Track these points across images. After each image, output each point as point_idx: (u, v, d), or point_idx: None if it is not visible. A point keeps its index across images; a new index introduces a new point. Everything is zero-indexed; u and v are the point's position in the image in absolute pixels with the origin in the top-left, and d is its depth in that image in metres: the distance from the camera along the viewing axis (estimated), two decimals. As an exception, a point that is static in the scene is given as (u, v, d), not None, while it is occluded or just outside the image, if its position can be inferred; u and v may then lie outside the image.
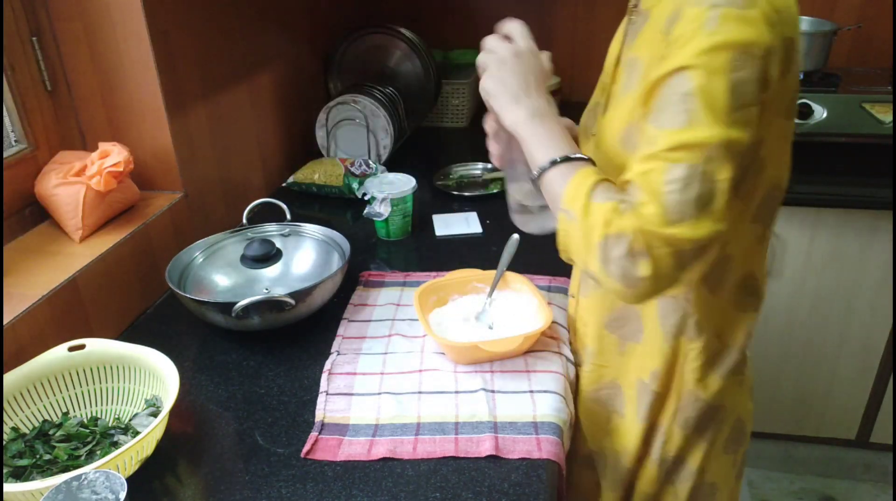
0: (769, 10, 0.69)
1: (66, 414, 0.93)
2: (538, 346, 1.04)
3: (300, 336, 1.11)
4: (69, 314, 1.04)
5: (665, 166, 0.71)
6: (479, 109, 2.24)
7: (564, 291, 1.19)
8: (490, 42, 0.89)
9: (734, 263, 0.87)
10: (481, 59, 0.89)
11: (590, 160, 0.83)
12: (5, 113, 1.14)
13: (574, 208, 0.77)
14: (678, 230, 0.71)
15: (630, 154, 0.79)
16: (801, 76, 1.89)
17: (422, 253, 1.38)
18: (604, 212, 0.74)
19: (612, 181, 0.79)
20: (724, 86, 0.69)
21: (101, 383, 0.96)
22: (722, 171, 0.70)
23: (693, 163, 0.70)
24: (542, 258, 1.30)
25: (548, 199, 0.85)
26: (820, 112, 1.79)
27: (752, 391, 1.02)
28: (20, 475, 0.83)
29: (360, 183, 1.56)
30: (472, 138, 2.07)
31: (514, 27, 0.89)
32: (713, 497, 1.02)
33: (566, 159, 0.82)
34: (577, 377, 1.06)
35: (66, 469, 0.83)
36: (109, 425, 0.92)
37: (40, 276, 1.04)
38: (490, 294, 1.10)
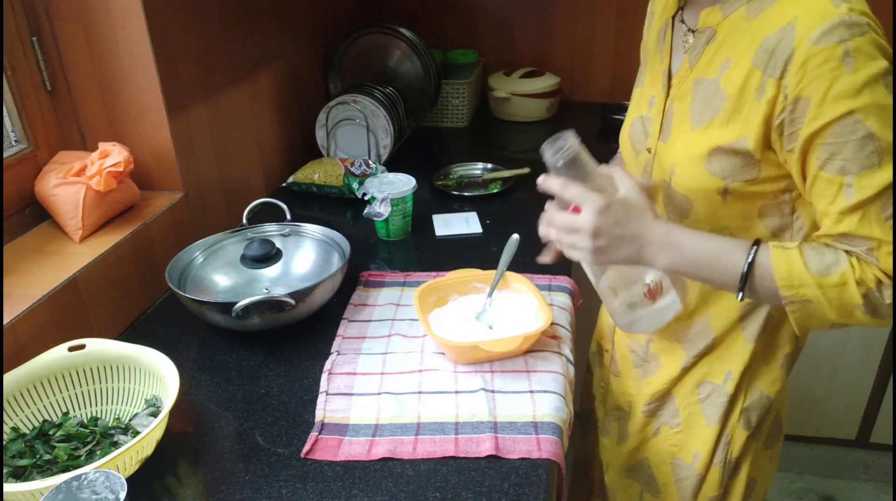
0: (878, 27, 0.71)
1: (66, 414, 0.93)
2: (538, 346, 1.04)
3: (300, 336, 1.11)
4: (69, 313, 1.04)
5: (879, 206, 0.72)
6: (479, 109, 2.24)
7: (565, 290, 1.19)
8: (558, 221, 0.81)
9: None
10: (565, 241, 0.82)
11: (757, 242, 0.79)
12: (5, 113, 1.14)
13: (805, 293, 0.76)
14: None
15: (715, 180, 0.81)
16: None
17: (422, 253, 1.38)
18: (847, 276, 0.74)
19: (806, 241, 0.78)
20: (891, 112, 0.70)
21: (101, 383, 0.96)
22: None
23: None
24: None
25: (758, 300, 0.82)
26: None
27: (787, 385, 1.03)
28: (20, 475, 0.83)
29: (360, 183, 1.56)
30: (472, 138, 2.07)
31: (568, 190, 0.80)
32: (753, 491, 1.04)
33: (749, 265, 0.77)
34: (608, 389, 1.07)
35: (66, 469, 0.83)
36: (109, 425, 0.92)
37: (40, 276, 1.04)
38: (490, 294, 1.10)
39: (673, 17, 0.90)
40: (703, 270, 0.80)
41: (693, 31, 0.86)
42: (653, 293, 0.90)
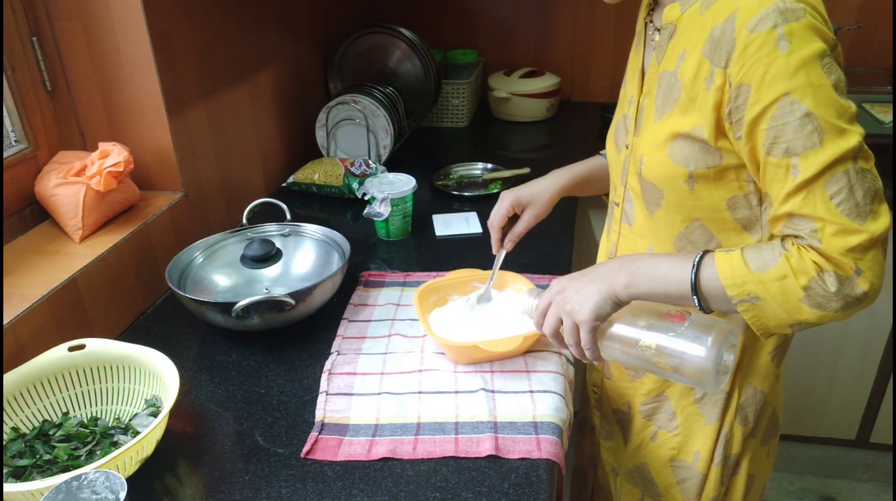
0: (815, 13, 0.73)
1: (66, 414, 0.93)
2: (538, 346, 1.04)
3: (300, 336, 1.11)
4: (69, 313, 1.04)
5: (822, 184, 0.72)
6: (479, 108, 2.24)
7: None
8: (544, 302, 0.89)
9: None
10: (548, 316, 0.88)
11: (706, 252, 0.80)
12: (5, 113, 1.14)
13: (750, 290, 0.76)
14: (865, 232, 0.72)
15: (678, 167, 0.83)
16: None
17: (422, 253, 1.38)
18: (784, 268, 0.74)
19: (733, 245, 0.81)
20: (830, 93, 0.72)
21: (101, 383, 0.96)
22: (869, 161, 0.74)
23: (846, 169, 0.72)
24: (541, 258, 1.30)
25: (718, 308, 0.81)
26: (820, 112, 1.79)
27: (783, 381, 1.03)
28: (20, 475, 0.83)
29: (360, 183, 1.56)
30: (471, 138, 2.07)
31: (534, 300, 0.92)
32: (752, 488, 1.04)
33: (696, 274, 0.79)
34: (603, 393, 1.08)
35: (66, 469, 0.83)
36: (109, 425, 0.92)
37: (40, 276, 1.04)
38: (492, 277, 1.11)
39: (645, 20, 0.94)
40: (659, 283, 0.81)
41: (659, 30, 0.89)
42: (676, 316, 0.84)
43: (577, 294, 0.84)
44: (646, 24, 0.93)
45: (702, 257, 0.79)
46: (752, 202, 0.84)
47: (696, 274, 0.79)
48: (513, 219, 1.10)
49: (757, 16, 0.72)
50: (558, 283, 0.88)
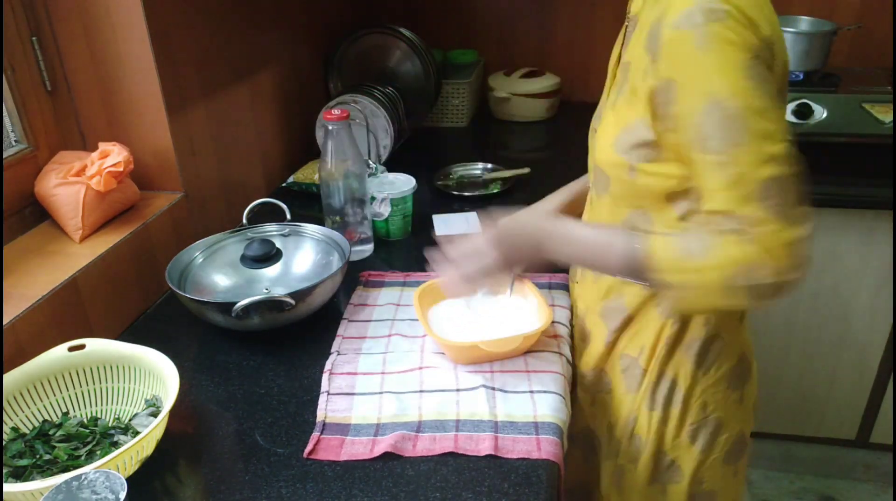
0: (739, 16, 0.73)
1: (66, 414, 0.93)
2: (538, 346, 1.04)
3: (300, 336, 1.11)
4: (69, 313, 1.04)
5: (756, 184, 0.73)
6: (480, 109, 2.24)
7: (564, 287, 1.19)
8: (460, 250, 0.94)
9: None
10: (471, 267, 0.95)
11: (643, 232, 0.84)
12: (5, 113, 1.14)
13: (674, 277, 0.79)
14: (797, 231, 0.74)
15: (621, 158, 0.85)
16: (801, 76, 1.89)
17: (422, 253, 1.38)
18: (710, 259, 0.76)
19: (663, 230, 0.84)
20: (754, 94, 0.73)
21: (101, 383, 0.96)
22: (795, 163, 0.75)
23: (779, 170, 0.73)
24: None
25: (650, 284, 0.85)
26: (820, 112, 1.79)
27: (754, 407, 1.03)
28: (20, 475, 0.83)
29: (360, 183, 1.56)
30: (472, 138, 2.07)
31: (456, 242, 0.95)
32: None
33: (631, 251, 0.82)
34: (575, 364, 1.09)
35: (66, 469, 0.83)
36: (109, 425, 0.92)
37: (40, 276, 1.04)
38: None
39: (627, 11, 0.95)
40: (590, 256, 0.88)
41: (627, 19, 0.91)
42: None
43: (507, 248, 0.90)
44: (626, 19, 0.95)
45: (639, 238, 0.82)
46: (691, 197, 0.85)
47: (632, 253, 0.82)
48: None
49: (682, 13, 0.74)
50: (490, 235, 0.91)
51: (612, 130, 0.88)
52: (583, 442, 1.13)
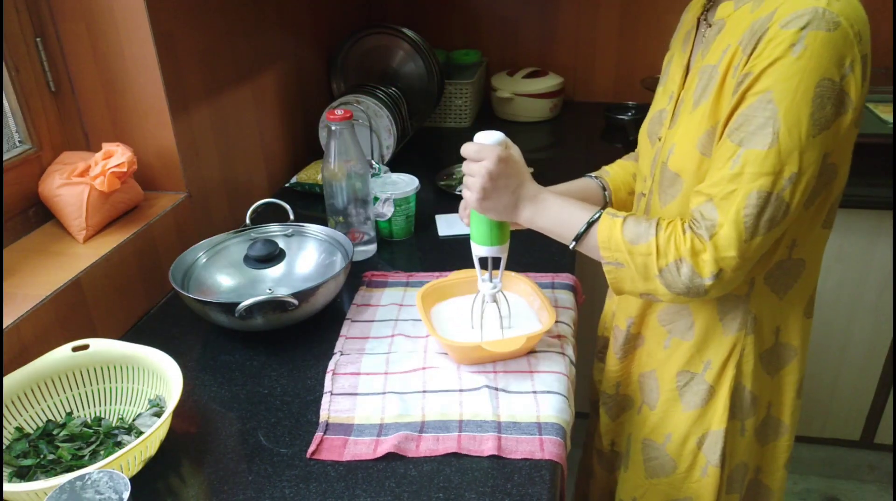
0: (850, 30, 0.74)
1: (69, 414, 0.94)
2: (541, 346, 1.04)
3: (303, 337, 1.11)
4: (73, 314, 1.05)
5: (747, 190, 0.77)
6: (482, 109, 2.24)
7: (568, 288, 1.19)
8: (466, 167, 0.94)
9: (807, 267, 0.92)
10: (466, 183, 0.94)
11: (602, 210, 0.90)
12: (9, 114, 1.14)
13: (617, 257, 0.86)
14: (749, 246, 0.78)
15: (704, 157, 0.85)
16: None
17: (425, 253, 1.38)
18: (651, 246, 0.82)
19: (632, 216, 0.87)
20: (807, 111, 0.74)
21: (104, 383, 0.96)
22: (795, 195, 0.77)
23: (772, 189, 0.76)
24: (544, 257, 1.30)
25: (590, 255, 0.92)
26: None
27: (800, 392, 1.04)
28: (24, 475, 0.83)
29: (363, 183, 1.56)
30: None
31: (471, 147, 0.94)
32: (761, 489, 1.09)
33: (587, 227, 0.89)
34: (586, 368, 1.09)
35: (69, 469, 0.83)
36: (113, 425, 0.92)
37: (44, 276, 1.04)
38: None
39: (699, 18, 0.94)
40: (555, 225, 0.92)
41: (710, 26, 0.90)
42: None
43: (491, 188, 0.91)
44: (699, 21, 0.94)
45: (598, 216, 0.88)
46: None
47: (586, 230, 0.88)
48: None
49: (794, 13, 0.73)
50: (491, 167, 0.91)
51: (695, 132, 0.86)
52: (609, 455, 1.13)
